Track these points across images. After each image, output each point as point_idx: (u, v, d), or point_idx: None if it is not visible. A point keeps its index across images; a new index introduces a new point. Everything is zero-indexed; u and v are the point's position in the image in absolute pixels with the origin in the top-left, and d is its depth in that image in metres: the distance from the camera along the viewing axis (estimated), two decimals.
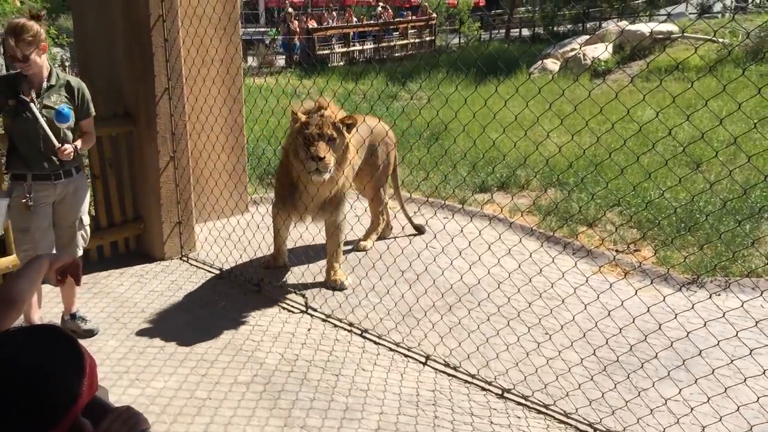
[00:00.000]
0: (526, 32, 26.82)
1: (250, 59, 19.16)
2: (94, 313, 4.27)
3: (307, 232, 5.38)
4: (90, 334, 3.98)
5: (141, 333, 4.06)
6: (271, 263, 5.10)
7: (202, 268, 5.08)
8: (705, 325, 3.17)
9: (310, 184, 4.39)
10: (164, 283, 4.81)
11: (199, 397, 3.39)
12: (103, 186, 4.99)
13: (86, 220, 3.91)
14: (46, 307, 4.32)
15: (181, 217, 5.17)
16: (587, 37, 16.60)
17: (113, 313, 4.32)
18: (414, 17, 24.29)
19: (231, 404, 3.34)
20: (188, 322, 4.21)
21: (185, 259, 5.24)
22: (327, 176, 4.25)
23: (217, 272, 4.99)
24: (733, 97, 6.19)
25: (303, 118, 4.32)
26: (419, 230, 5.79)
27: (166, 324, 4.18)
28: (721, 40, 12.54)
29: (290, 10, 22.66)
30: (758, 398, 3.10)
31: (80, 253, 3.90)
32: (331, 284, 4.72)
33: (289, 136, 4.53)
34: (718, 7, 23.01)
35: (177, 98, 4.93)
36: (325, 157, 4.16)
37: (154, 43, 4.73)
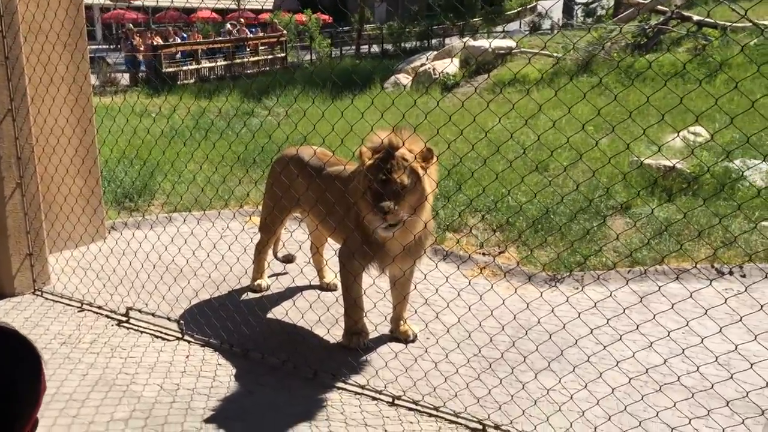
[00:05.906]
0: (376, 49, 27.62)
1: (93, 77, 18.09)
2: None
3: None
4: None
5: None
6: (356, 342, 4.02)
7: (60, 302, 4.69)
8: (564, 326, 3.41)
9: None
10: (17, 321, 4.38)
11: None
12: None
13: None
14: None
15: (32, 248, 4.75)
16: (435, 52, 17.33)
17: None
18: (264, 34, 24.13)
19: None
20: (49, 361, 3.86)
21: (39, 293, 4.81)
22: (396, 231, 3.53)
23: (78, 305, 4.63)
24: (566, 104, 6.72)
25: (369, 160, 3.59)
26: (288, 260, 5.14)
27: None
28: (555, 54, 13.58)
29: (131, 26, 21.72)
30: (615, 390, 3.37)
31: None
32: (403, 337, 4.15)
33: (356, 176, 3.77)
34: (547, 24, 24.97)
35: (22, 120, 4.54)
36: (392, 212, 3.42)
37: None
